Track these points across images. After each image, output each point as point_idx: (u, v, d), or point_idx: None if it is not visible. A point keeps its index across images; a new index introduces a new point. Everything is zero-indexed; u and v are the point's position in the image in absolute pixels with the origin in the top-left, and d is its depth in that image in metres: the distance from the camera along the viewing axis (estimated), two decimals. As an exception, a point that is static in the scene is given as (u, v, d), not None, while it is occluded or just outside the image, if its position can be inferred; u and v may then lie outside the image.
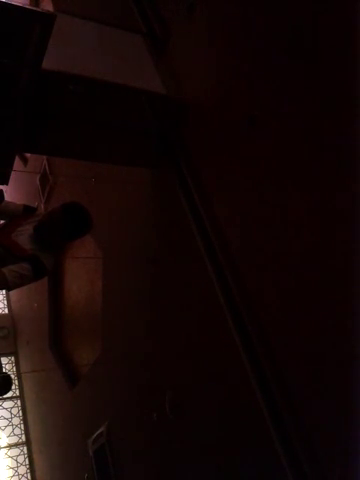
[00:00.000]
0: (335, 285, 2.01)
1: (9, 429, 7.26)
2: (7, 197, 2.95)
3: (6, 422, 7.27)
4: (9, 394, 6.57)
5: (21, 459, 7.10)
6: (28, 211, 2.71)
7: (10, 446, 7.18)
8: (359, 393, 1.83)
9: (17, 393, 7.50)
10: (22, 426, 7.32)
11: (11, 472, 6.97)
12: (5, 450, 7.13)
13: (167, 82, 3.12)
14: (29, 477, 6.97)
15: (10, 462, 7.06)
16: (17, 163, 5.21)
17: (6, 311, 8.36)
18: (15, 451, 7.15)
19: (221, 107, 2.79)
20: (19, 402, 7.48)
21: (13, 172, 2.94)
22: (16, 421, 7.34)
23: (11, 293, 8.03)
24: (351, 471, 1.88)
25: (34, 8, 2.71)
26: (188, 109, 3.04)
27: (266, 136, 2.43)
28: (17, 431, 7.29)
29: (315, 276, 2.12)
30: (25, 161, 6.83)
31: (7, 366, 7.62)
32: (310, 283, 2.14)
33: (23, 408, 7.42)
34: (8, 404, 7.43)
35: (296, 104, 2.25)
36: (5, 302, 8.48)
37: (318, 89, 2.14)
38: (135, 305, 3.78)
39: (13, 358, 7.81)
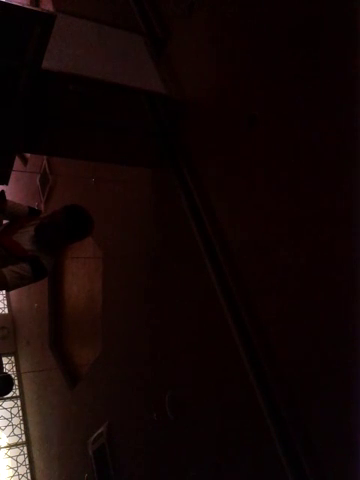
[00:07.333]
0: (335, 285, 2.02)
1: (9, 429, 7.25)
2: (7, 197, 2.95)
3: (6, 422, 7.26)
4: (9, 394, 6.55)
5: (21, 459, 7.09)
6: (33, 213, 2.72)
7: (10, 446, 7.18)
8: (359, 393, 1.83)
9: (17, 393, 7.49)
10: (22, 426, 7.31)
11: (11, 472, 6.96)
12: (5, 450, 7.12)
13: (167, 82, 3.12)
14: (29, 477, 6.95)
15: (10, 462, 7.05)
16: (17, 163, 5.22)
17: (6, 311, 8.36)
18: (15, 451, 7.14)
19: (221, 107, 2.79)
20: (19, 402, 7.48)
21: (13, 172, 2.94)
22: (16, 421, 7.34)
23: (11, 293, 8.03)
24: (351, 471, 1.88)
25: (34, 8, 2.71)
26: (188, 109, 3.04)
27: (265, 136, 2.43)
28: (17, 431, 7.28)
29: (315, 276, 2.12)
30: (25, 161, 6.83)
31: (7, 366, 7.61)
32: (310, 283, 2.14)
33: (23, 408, 7.41)
34: (8, 404, 7.42)
35: (296, 104, 2.26)
36: (5, 302, 8.48)
37: (318, 89, 2.14)
38: (135, 305, 3.78)
39: (13, 358, 7.80)
